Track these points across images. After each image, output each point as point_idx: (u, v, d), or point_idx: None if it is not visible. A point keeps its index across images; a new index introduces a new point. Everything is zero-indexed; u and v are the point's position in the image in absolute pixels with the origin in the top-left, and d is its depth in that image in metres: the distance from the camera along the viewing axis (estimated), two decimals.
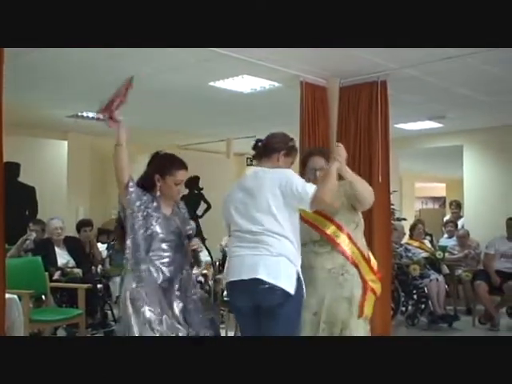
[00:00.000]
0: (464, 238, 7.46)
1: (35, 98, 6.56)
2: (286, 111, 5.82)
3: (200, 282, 4.96)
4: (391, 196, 5.69)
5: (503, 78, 5.51)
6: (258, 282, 2.64)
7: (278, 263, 2.67)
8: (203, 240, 7.24)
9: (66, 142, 8.24)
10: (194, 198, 8.69)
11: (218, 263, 6.35)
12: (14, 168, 7.27)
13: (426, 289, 6.34)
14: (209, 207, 8.73)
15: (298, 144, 5.46)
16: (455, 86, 5.89)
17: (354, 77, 5.44)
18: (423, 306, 6.40)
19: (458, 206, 8.76)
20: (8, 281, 3.49)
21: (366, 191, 3.14)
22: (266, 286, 2.63)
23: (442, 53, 4.50)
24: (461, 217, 8.59)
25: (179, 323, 2.80)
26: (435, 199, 16.06)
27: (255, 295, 2.68)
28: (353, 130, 5.50)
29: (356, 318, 3.07)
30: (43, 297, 4.92)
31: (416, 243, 6.99)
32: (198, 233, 7.31)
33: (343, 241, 3.07)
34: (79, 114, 7.42)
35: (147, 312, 2.71)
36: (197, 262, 3.17)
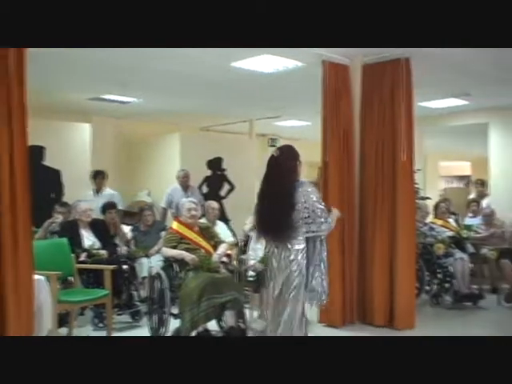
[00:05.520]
0: (490, 216, 7.36)
1: (57, 81, 6.62)
2: (308, 91, 5.77)
3: (224, 263, 4.98)
4: (415, 175, 5.64)
5: None
6: None
7: None
8: (227, 221, 7.27)
9: (89, 125, 8.30)
10: (217, 179, 8.71)
11: (242, 244, 6.37)
12: (38, 151, 7.32)
13: (450, 268, 6.29)
14: (232, 188, 8.74)
15: (317, 125, 5.46)
16: (479, 63, 5.77)
17: (376, 55, 5.36)
18: (448, 284, 6.35)
19: (482, 184, 8.63)
20: (36, 262, 3.57)
21: None
22: None
23: None
24: (486, 195, 8.48)
25: None
26: (460, 178, 15.84)
27: None
28: (376, 109, 5.45)
29: None
30: (70, 278, 5.00)
31: (440, 222, 6.92)
32: (222, 214, 7.36)
33: None
34: (101, 96, 7.48)
35: None
36: None
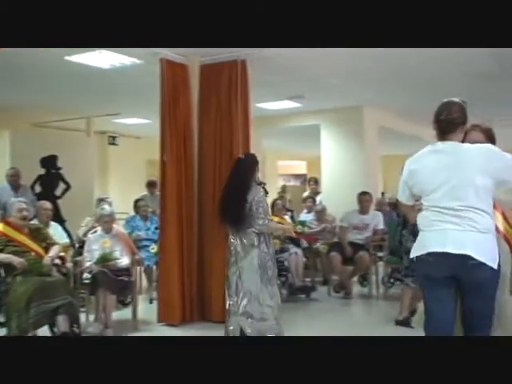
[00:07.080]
0: (321, 212, 7.86)
1: None
2: (148, 88, 5.68)
3: (56, 265, 4.74)
4: None
5: (353, 60, 5.83)
6: (466, 257, 2.61)
7: (485, 240, 2.66)
8: (62, 222, 6.94)
9: None
10: (52, 177, 8.24)
11: (77, 245, 6.12)
12: None
13: (286, 262, 6.61)
14: (68, 187, 8.32)
15: (158, 124, 5.43)
16: (311, 67, 6.13)
17: (213, 56, 5.45)
18: (283, 278, 6.66)
19: (315, 182, 9.21)
20: None
21: None
22: (475, 262, 2.60)
23: None
24: (319, 193, 9.03)
25: None
26: (297, 176, 16.71)
27: (460, 269, 2.65)
28: (214, 108, 5.54)
29: (508, 294, 3.03)
30: None
31: (277, 219, 7.17)
32: (57, 214, 7.00)
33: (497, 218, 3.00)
34: None
35: None
36: None
